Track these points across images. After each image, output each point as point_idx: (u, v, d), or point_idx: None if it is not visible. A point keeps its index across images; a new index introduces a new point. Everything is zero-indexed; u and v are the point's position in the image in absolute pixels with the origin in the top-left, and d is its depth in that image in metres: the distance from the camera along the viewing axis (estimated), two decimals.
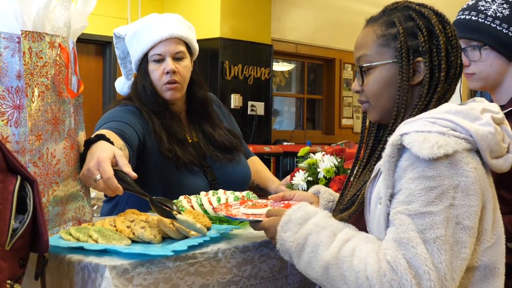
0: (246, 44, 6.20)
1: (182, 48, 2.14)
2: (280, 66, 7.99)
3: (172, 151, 2.06)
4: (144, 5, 6.17)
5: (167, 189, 2.00)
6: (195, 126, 2.22)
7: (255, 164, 2.43)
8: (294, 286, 1.60)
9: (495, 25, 1.73)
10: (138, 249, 1.29)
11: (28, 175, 1.18)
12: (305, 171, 1.98)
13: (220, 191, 1.86)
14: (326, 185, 1.90)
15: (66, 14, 1.54)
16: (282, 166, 6.14)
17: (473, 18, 1.73)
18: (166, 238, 1.45)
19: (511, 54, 1.74)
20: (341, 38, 7.70)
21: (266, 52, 6.43)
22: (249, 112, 6.23)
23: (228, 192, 1.84)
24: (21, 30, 1.46)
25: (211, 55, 6.01)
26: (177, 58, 2.13)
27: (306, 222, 1.31)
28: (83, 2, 1.61)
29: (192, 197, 1.83)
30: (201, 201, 1.79)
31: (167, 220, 1.46)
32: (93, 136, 1.61)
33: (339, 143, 6.36)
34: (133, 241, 1.39)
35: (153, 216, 1.51)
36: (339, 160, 1.97)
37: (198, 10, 6.05)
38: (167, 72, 2.09)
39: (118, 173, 1.50)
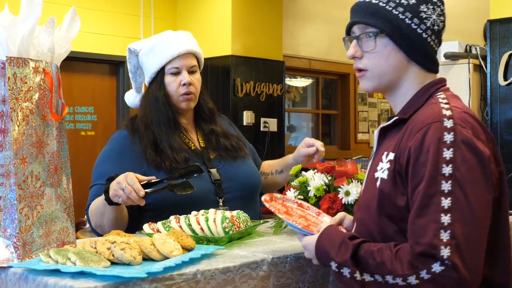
0: (257, 61, 6.22)
1: (195, 62, 2.32)
2: (296, 82, 7.99)
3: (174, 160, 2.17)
4: (156, 24, 6.24)
5: (176, 196, 2.00)
6: (201, 132, 2.34)
7: (267, 162, 2.55)
8: None
9: (397, 12, 1.45)
10: (114, 271, 1.30)
11: None
12: (296, 189, 1.97)
13: (211, 211, 1.87)
14: (316, 203, 1.89)
15: (50, 39, 1.57)
16: None
17: (374, 1, 1.48)
18: (147, 260, 1.45)
19: (411, 49, 1.47)
20: None
21: (278, 68, 6.44)
22: (261, 129, 6.23)
23: (218, 212, 1.85)
24: (6, 56, 1.49)
25: (222, 73, 6.03)
26: (191, 71, 2.29)
27: None
28: (66, 27, 1.64)
29: (181, 216, 1.85)
30: (189, 221, 1.80)
31: (148, 241, 1.47)
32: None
33: (354, 158, 6.30)
34: (114, 263, 1.40)
35: (135, 238, 1.52)
36: (329, 178, 1.96)
37: (210, 28, 6.09)
38: (184, 84, 2.25)
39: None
